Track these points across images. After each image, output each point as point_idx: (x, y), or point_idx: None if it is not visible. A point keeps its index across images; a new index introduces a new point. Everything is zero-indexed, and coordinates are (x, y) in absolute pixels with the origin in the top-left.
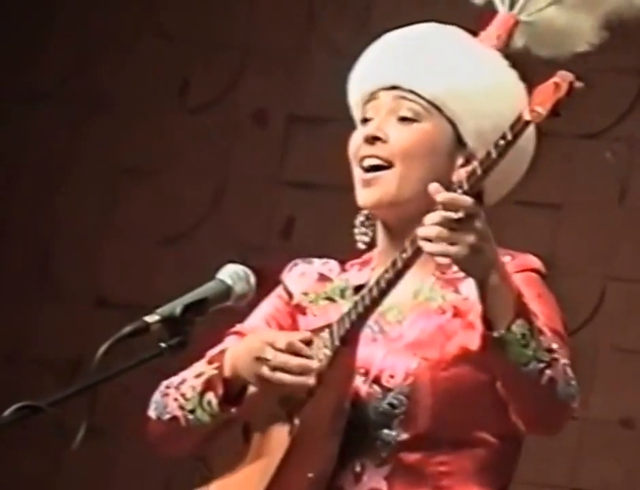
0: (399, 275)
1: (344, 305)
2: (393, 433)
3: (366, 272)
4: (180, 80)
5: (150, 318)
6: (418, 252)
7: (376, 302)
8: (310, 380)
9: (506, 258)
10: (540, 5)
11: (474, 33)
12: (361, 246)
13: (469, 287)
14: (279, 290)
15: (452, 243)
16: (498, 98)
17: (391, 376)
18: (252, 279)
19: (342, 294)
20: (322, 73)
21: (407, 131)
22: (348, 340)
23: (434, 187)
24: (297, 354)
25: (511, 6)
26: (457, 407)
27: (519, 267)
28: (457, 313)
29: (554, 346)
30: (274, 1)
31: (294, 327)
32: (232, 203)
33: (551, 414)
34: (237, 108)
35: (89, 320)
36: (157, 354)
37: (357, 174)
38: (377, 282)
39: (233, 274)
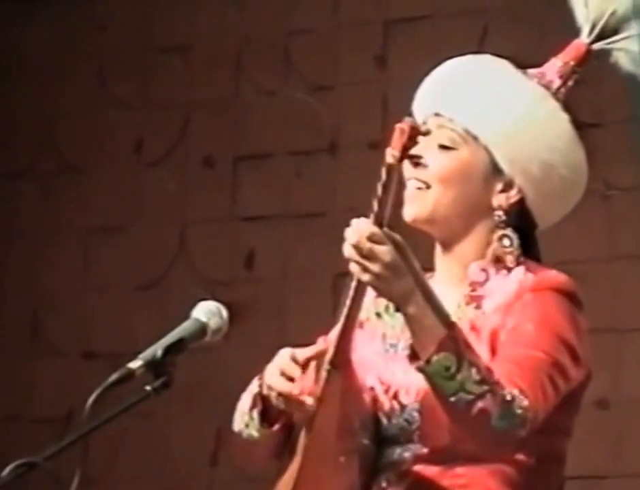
0: (353, 303)
1: (387, 321)
2: (413, 447)
3: None
4: (134, 140)
5: (134, 364)
6: (358, 292)
7: (345, 329)
8: (306, 401)
9: (528, 276)
10: (619, 36)
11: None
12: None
13: (490, 303)
14: None
15: (365, 270)
16: (530, 128)
17: (407, 393)
18: (225, 313)
19: (387, 309)
20: (256, 115)
21: (445, 158)
22: (336, 364)
23: (353, 220)
24: (287, 376)
25: (590, 33)
26: None
27: (535, 286)
28: (472, 328)
29: (493, 378)
30: (207, 58)
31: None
32: (196, 244)
33: (485, 442)
34: (187, 157)
35: (78, 373)
36: (144, 397)
37: (407, 190)
38: (342, 308)
39: (206, 311)
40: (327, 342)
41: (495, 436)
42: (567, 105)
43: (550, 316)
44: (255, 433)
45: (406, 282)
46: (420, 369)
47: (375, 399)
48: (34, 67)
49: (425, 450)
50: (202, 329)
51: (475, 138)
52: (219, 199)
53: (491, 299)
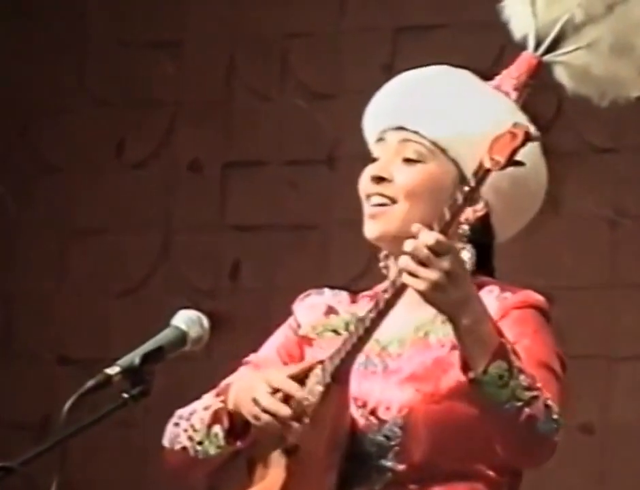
0: (381, 314)
1: None
2: (389, 464)
3: None
4: (116, 140)
5: (111, 371)
6: (399, 292)
7: (362, 340)
8: (295, 425)
9: (505, 295)
10: (567, 49)
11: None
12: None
13: None
14: (291, 319)
15: (419, 278)
16: None
17: (387, 408)
18: (206, 322)
19: (347, 327)
20: (249, 120)
21: (411, 171)
22: (338, 377)
23: (416, 227)
24: (287, 394)
25: (537, 47)
26: (451, 440)
27: (518, 304)
28: (455, 346)
29: (534, 383)
30: (198, 57)
31: (302, 357)
32: (179, 251)
33: (532, 449)
34: (173, 160)
35: (53, 379)
36: (121, 405)
37: (365, 208)
38: (362, 321)
39: (187, 320)
40: (265, 360)
41: (539, 441)
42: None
43: (539, 330)
44: (213, 451)
45: (462, 291)
46: (474, 380)
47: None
48: (8, 60)
49: (401, 467)
50: (182, 337)
51: (443, 151)
52: (205, 205)
53: None
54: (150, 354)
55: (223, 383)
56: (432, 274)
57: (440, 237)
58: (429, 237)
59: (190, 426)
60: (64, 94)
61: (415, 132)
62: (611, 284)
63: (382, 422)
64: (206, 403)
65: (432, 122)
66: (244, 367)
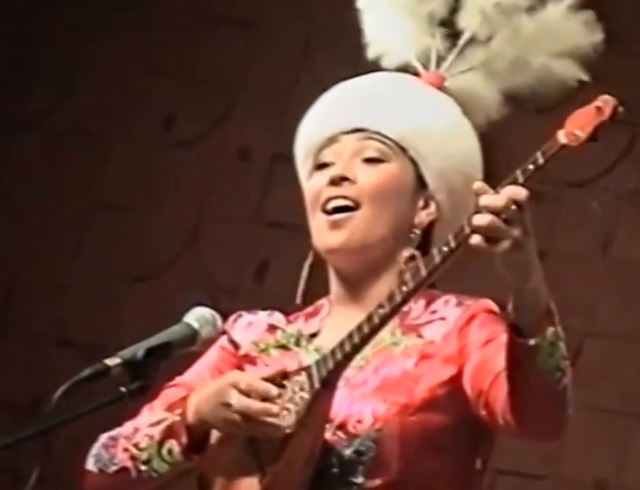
0: (395, 310)
1: (302, 353)
2: (358, 480)
3: (315, 322)
4: (166, 114)
5: (111, 361)
6: (420, 284)
7: (365, 340)
8: (282, 425)
9: (468, 302)
10: (462, 68)
11: None
12: (298, 301)
13: (432, 331)
14: (222, 341)
15: (495, 238)
16: (460, 139)
17: (359, 421)
18: (220, 323)
19: (297, 342)
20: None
21: (375, 171)
22: (329, 383)
23: (478, 185)
24: (262, 397)
25: (437, 65)
26: (425, 454)
27: (484, 309)
28: (423, 356)
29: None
30: (271, 38)
31: None
32: (207, 242)
33: (557, 419)
34: (222, 144)
35: (50, 361)
36: (116, 399)
37: (321, 219)
38: (369, 319)
39: (200, 318)
40: (198, 379)
41: (566, 412)
42: None
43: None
44: (164, 468)
45: (534, 251)
46: (533, 346)
47: None
48: (63, 9)
49: (372, 484)
50: (192, 336)
51: (403, 150)
52: (245, 196)
53: (431, 328)
54: (155, 349)
55: (155, 402)
56: (516, 231)
57: (526, 192)
58: (520, 191)
59: (133, 445)
60: (121, 53)
61: (376, 132)
62: None
63: (352, 436)
64: (155, 419)
65: (393, 120)
66: (170, 389)
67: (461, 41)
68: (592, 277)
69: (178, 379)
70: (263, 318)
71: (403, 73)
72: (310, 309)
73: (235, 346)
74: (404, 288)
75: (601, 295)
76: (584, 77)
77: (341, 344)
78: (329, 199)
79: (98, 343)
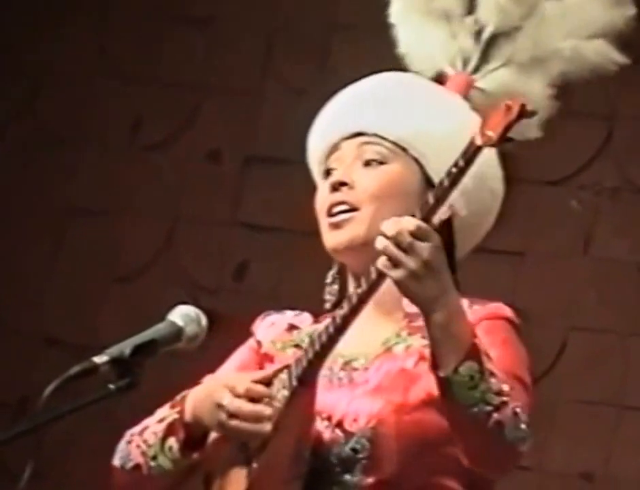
0: (354, 311)
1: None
2: (355, 478)
3: None
4: (132, 118)
5: (99, 359)
6: (373, 286)
7: (332, 339)
8: (266, 428)
9: (475, 307)
10: (493, 66)
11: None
12: (327, 306)
13: None
14: (250, 340)
15: (397, 265)
16: (461, 138)
17: (355, 420)
18: (204, 321)
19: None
20: (278, 114)
21: (374, 173)
22: (305, 381)
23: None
24: (254, 398)
25: (465, 66)
26: (421, 453)
27: (489, 315)
28: (422, 357)
29: (505, 388)
30: (232, 40)
31: None
32: (185, 243)
33: (497, 456)
34: (191, 147)
35: (36, 359)
36: (105, 395)
37: (324, 222)
38: (333, 319)
39: (184, 315)
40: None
41: (505, 449)
42: None
43: (508, 341)
44: (168, 465)
45: (439, 285)
46: (444, 379)
47: None
48: (27, 10)
49: (368, 481)
50: (177, 333)
51: (404, 150)
52: (219, 198)
53: None
54: (141, 347)
55: (178, 396)
56: (411, 262)
57: (423, 224)
58: (411, 222)
59: (143, 441)
60: (81, 59)
61: (374, 134)
62: (630, 332)
63: (349, 434)
64: (160, 416)
65: (391, 122)
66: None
67: (484, 38)
68: (573, 275)
69: (207, 377)
70: (287, 317)
71: (407, 73)
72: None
73: (259, 343)
74: (359, 291)
75: (583, 292)
76: (619, 58)
77: (312, 343)
78: (331, 206)
79: (83, 342)
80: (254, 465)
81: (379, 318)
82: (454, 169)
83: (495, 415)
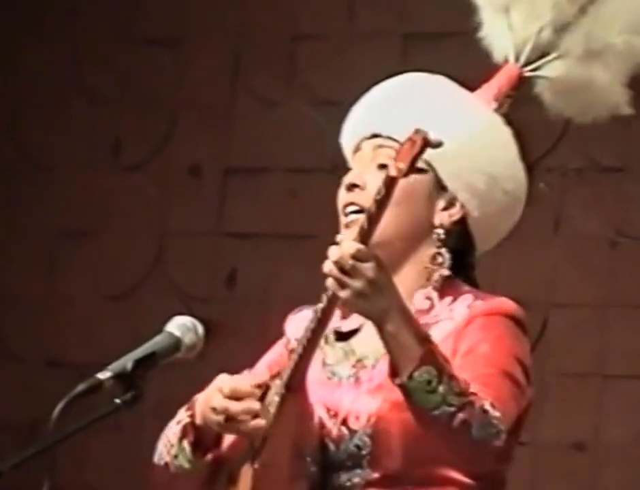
0: (320, 323)
1: (328, 350)
2: (363, 472)
3: (355, 318)
4: (112, 140)
5: (103, 375)
6: (332, 301)
7: (307, 351)
8: (259, 423)
9: (477, 303)
10: (545, 59)
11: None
12: None
13: (438, 331)
14: (284, 336)
15: (343, 286)
16: (473, 141)
17: (357, 418)
18: (200, 329)
19: (326, 339)
20: (252, 124)
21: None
22: (292, 387)
23: (339, 237)
24: (242, 397)
25: (519, 58)
26: (422, 448)
27: (486, 311)
28: None
29: (469, 389)
30: (201, 57)
31: None
32: (174, 256)
33: (468, 455)
34: (171, 164)
35: (42, 382)
36: (113, 410)
37: (342, 221)
38: (305, 331)
39: (181, 326)
40: (257, 374)
41: (474, 447)
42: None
43: (503, 337)
44: (186, 464)
45: (386, 299)
46: (401, 386)
47: (322, 425)
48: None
49: (375, 475)
50: (176, 344)
51: None
52: (203, 211)
53: (439, 326)
54: (142, 360)
55: (193, 399)
56: (355, 283)
57: (361, 246)
58: (351, 246)
59: (168, 440)
60: (58, 89)
61: (389, 137)
62: (608, 304)
63: (352, 432)
64: (178, 418)
65: (404, 127)
66: None
67: (539, 32)
68: (547, 255)
69: (245, 373)
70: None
71: (435, 76)
72: None
73: (289, 340)
74: (320, 306)
75: (559, 270)
76: None
77: (293, 350)
78: (344, 205)
79: (84, 360)
80: (256, 465)
81: None
82: (377, 197)
83: (459, 415)
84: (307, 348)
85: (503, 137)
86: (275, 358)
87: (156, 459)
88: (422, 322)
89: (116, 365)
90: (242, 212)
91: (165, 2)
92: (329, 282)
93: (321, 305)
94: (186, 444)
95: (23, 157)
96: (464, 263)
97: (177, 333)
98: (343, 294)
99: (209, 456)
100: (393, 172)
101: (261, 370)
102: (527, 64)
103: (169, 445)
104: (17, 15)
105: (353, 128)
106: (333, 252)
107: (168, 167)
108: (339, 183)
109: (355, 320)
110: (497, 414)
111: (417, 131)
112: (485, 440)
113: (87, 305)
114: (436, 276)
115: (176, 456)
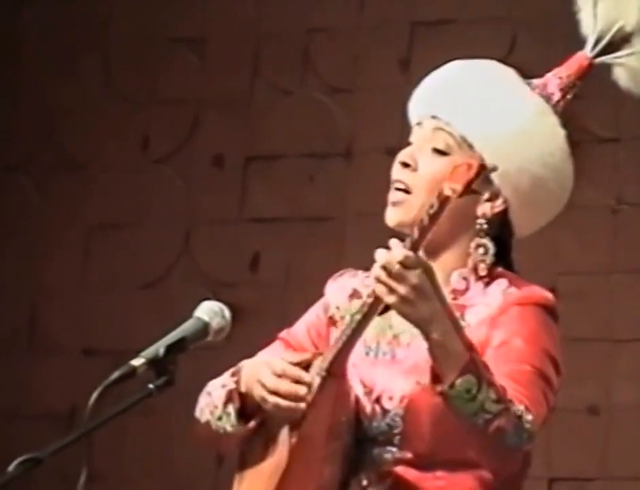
0: (366, 316)
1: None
2: (394, 449)
3: None
4: (140, 136)
5: (136, 362)
6: (375, 302)
7: (351, 339)
8: (300, 406)
9: (510, 290)
10: (623, 53)
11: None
12: None
13: (473, 315)
14: (324, 298)
15: (390, 290)
16: (526, 142)
17: (390, 398)
18: (227, 313)
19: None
20: (270, 114)
21: (435, 163)
22: (332, 371)
23: (391, 241)
24: (292, 379)
25: (595, 46)
26: (452, 432)
27: (521, 300)
28: None
29: (506, 396)
30: (221, 52)
31: (328, 336)
32: (200, 244)
33: (500, 458)
34: (196, 156)
35: (79, 370)
36: (147, 395)
37: (390, 193)
38: (351, 320)
39: (209, 311)
40: (294, 338)
41: (507, 453)
42: (565, 119)
43: (536, 330)
44: (229, 428)
45: (431, 306)
46: (442, 393)
47: (357, 400)
48: (36, 56)
49: (404, 454)
50: (204, 328)
51: (470, 146)
52: (227, 199)
53: (474, 311)
54: (173, 345)
55: (238, 364)
56: (401, 288)
57: (409, 253)
58: (399, 253)
59: (211, 402)
60: (90, 89)
61: (447, 123)
62: (612, 270)
63: (385, 411)
64: (223, 382)
65: (463, 115)
66: (278, 341)
67: (619, 30)
68: (552, 225)
69: (284, 332)
70: (355, 281)
71: (501, 67)
72: None
73: (328, 305)
74: (367, 300)
75: (565, 240)
76: None
77: (341, 334)
78: (395, 180)
79: (118, 348)
80: (293, 440)
81: None
82: (430, 211)
83: (495, 422)
84: (351, 336)
85: (557, 141)
86: (313, 320)
87: (198, 414)
88: (458, 303)
89: (149, 352)
90: (262, 198)
91: (188, 4)
92: (377, 287)
93: (370, 299)
94: (231, 409)
95: (59, 156)
96: (503, 247)
97: (205, 317)
98: (389, 298)
99: (252, 423)
100: (447, 192)
101: (300, 333)
102: (600, 55)
103: (213, 406)
104: (57, 26)
105: (418, 102)
106: (382, 256)
107: (193, 159)
108: (352, 167)
109: None
110: (530, 417)
111: (474, 156)
112: (516, 447)
113: (119, 294)
114: (482, 266)
115: (219, 418)
